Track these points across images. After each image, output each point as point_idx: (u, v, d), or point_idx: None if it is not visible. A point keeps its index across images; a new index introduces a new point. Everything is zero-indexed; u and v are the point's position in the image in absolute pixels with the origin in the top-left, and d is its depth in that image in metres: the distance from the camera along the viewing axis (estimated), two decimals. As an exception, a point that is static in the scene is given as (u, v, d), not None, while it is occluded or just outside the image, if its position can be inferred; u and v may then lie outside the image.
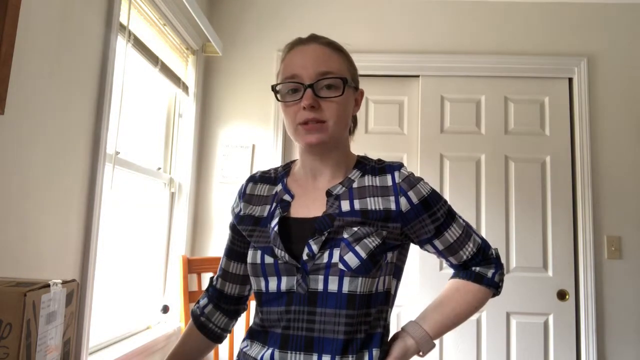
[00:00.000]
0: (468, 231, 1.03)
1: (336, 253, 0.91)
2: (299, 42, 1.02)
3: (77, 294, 0.99)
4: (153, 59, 2.05)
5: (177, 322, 2.31)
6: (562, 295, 2.45)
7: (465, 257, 1.03)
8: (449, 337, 2.44)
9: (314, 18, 2.71)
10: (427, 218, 0.97)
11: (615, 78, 2.57)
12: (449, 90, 2.65)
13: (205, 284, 2.44)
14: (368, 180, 1.00)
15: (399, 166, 1.00)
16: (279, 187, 1.06)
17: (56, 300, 0.89)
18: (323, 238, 0.93)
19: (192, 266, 2.18)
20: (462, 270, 1.06)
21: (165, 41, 2.21)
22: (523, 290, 2.47)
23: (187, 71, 2.51)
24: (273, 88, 1.01)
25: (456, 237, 1.01)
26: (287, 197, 1.02)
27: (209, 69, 2.69)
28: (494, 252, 1.05)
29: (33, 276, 1.28)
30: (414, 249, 2.68)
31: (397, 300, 2.53)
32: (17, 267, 1.23)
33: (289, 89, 0.98)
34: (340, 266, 0.90)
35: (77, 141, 1.49)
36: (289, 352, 0.92)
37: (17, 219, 1.23)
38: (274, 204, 1.03)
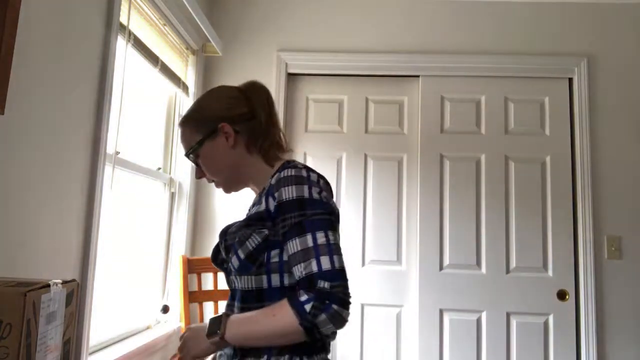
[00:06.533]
0: (309, 254, 0.93)
1: (231, 256, 1.04)
2: None
3: (77, 294, 0.99)
4: (153, 59, 2.04)
5: (177, 322, 2.31)
6: (562, 295, 2.45)
7: (296, 276, 0.95)
8: (448, 337, 2.44)
9: (314, 18, 2.71)
10: (280, 222, 0.98)
11: (615, 78, 2.57)
12: (449, 90, 2.65)
13: (205, 284, 2.44)
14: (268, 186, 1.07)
15: (285, 168, 1.03)
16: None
17: (56, 300, 0.89)
18: (223, 244, 1.07)
19: (192, 266, 2.19)
20: None
21: (165, 41, 2.21)
22: (523, 290, 2.47)
23: (187, 71, 2.51)
24: None
25: (292, 252, 0.95)
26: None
27: (209, 69, 2.69)
28: (326, 286, 0.90)
29: (33, 276, 1.28)
30: (415, 251, 2.67)
31: (397, 300, 2.54)
32: (17, 267, 1.23)
33: None
34: (232, 268, 1.04)
35: (77, 141, 1.49)
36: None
37: (17, 219, 1.23)
38: None
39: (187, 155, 1.13)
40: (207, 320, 1.08)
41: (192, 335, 1.02)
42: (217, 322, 0.99)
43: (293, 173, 1.00)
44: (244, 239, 1.01)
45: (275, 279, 1.00)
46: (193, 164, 1.15)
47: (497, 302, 2.47)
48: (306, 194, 0.97)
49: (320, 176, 1.04)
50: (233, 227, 1.08)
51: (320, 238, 0.94)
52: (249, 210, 1.13)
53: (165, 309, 2.28)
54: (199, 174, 1.16)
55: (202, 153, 1.11)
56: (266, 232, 1.00)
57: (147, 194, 2.20)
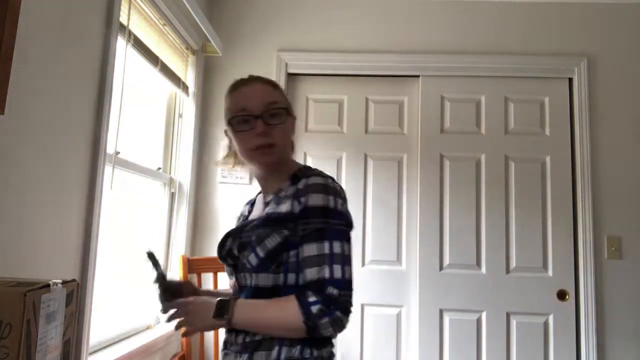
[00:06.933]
0: (324, 260, 1.00)
1: (247, 254, 1.07)
2: (243, 82, 1.16)
3: (77, 294, 0.99)
4: (153, 59, 2.04)
5: (177, 322, 2.30)
6: (562, 295, 2.45)
7: (307, 278, 1.01)
8: (448, 337, 2.44)
9: (314, 18, 2.71)
10: (301, 225, 1.04)
11: (615, 78, 2.57)
12: (449, 90, 2.65)
13: (205, 284, 2.44)
14: (290, 189, 1.11)
15: (310, 175, 1.09)
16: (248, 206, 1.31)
17: (56, 300, 0.89)
18: (237, 242, 1.11)
19: (192, 266, 2.19)
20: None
21: (165, 41, 2.21)
22: (523, 290, 2.46)
23: (187, 71, 2.51)
24: (229, 121, 1.14)
25: (307, 255, 1.02)
26: (244, 211, 1.29)
27: (209, 69, 2.69)
28: (334, 293, 0.98)
29: (33, 276, 1.28)
30: (415, 251, 2.67)
31: (397, 300, 2.54)
32: (17, 267, 1.23)
33: (241, 120, 1.11)
34: (247, 265, 1.07)
35: (77, 141, 1.49)
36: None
37: (17, 219, 1.23)
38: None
39: (278, 108, 1.11)
40: (209, 295, 1.14)
41: (198, 310, 1.07)
42: (226, 306, 1.03)
43: (321, 182, 1.07)
44: (263, 238, 1.05)
45: (292, 278, 1.05)
46: (260, 119, 1.09)
47: (497, 302, 2.47)
48: (331, 204, 1.05)
49: (340, 187, 1.11)
50: (248, 225, 1.12)
51: (337, 248, 1.02)
52: (261, 209, 1.17)
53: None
54: (266, 129, 1.09)
55: (287, 119, 1.15)
56: (286, 232, 1.05)
57: (147, 194, 2.20)
